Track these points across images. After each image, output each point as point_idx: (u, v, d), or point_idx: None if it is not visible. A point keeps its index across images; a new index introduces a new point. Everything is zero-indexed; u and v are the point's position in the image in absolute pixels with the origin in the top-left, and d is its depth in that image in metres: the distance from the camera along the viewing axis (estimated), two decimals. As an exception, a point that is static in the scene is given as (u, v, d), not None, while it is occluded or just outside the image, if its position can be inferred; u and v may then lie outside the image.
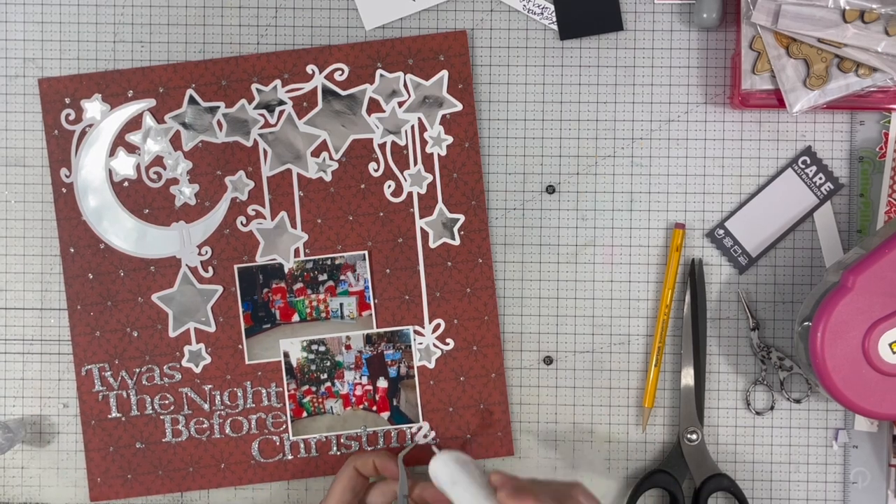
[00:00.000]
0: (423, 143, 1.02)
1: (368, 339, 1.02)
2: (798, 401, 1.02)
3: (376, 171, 1.02)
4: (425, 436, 1.01)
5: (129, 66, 1.03)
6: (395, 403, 1.02)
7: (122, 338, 1.02)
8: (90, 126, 1.02)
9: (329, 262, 1.02)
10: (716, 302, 1.02)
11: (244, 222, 1.02)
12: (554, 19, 1.02)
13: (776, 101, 0.99)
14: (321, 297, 1.02)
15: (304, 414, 1.02)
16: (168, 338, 1.02)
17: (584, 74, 1.02)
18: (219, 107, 1.02)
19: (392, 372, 1.02)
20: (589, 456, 1.03)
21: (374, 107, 1.02)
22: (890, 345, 0.91)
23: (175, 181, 1.02)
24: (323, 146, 1.02)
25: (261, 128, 1.02)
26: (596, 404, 1.03)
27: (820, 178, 1.02)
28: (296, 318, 1.02)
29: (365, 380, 1.02)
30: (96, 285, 1.02)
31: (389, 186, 1.02)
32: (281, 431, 1.02)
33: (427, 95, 1.02)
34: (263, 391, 1.02)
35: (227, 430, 1.02)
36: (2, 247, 1.03)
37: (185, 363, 1.02)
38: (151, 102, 1.02)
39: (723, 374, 1.02)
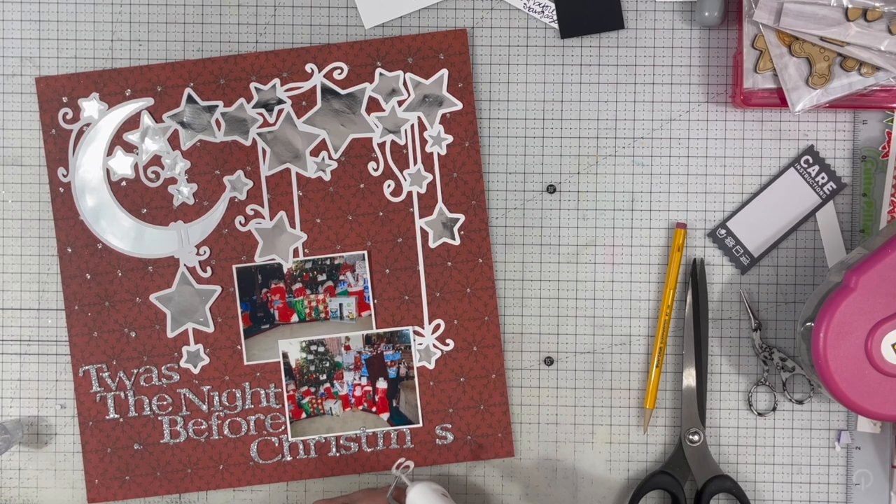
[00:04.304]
0: (423, 142, 1.02)
1: (368, 340, 1.02)
2: (800, 402, 1.02)
3: (376, 170, 1.02)
4: (406, 466, 0.98)
5: (126, 64, 1.02)
6: (394, 404, 1.02)
7: (119, 338, 1.02)
8: (88, 125, 1.02)
9: (328, 262, 1.02)
10: (717, 302, 1.02)
11: (243, 222, 1.02)
12: (555, 18, 1.02)
13: (778, 99, 0.98)
14: (320, 297, 1.02)
15: (303, 415, 1.02)
16: (166, 338, 1.02)
17: (585, 73, 1.02)
18: (217, 106, 1.02)
19: (392, 373, 1.02)
20: (590, 457, 1.02)
21: (373, 106, 1.02)
22: (893, 345, 0.90)
23: (173, 181, 1.02)
24: (322, 145, 1.02)
25: (259, 127, 1.02)
26: (597, 405, 1.02)
27: (822, 178, 1.01)
28: (295, 318, 1.02)
29: (364, 381, 1.02)
30: (94, 285, 1.02)
31: (389, 186, 1.02)
32: (280, 433, 1.02)
33: (427, 94, 1.01)
34: (262, 392, 1.02)
35: (226, 432, 1.02)
36: (-1, 247, 1.03)
37: (183, 364, 1.02)
38: (149, 101, 1.02)
39: (724, 374, 1.02)
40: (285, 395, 1.02)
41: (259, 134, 1.02)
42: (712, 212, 1.02)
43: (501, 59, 1.02)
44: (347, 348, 1.02)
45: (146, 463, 1.02)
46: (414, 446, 1.02)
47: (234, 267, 1.02)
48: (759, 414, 1.02)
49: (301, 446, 1.02)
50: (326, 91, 1.02)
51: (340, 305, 1.02)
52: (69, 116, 1.02)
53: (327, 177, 1.02)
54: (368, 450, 1.02)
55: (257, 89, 1.01)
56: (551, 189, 1.02)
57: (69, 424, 1.03)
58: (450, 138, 1.02)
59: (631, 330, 1.02)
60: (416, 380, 1.02)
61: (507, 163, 1.02)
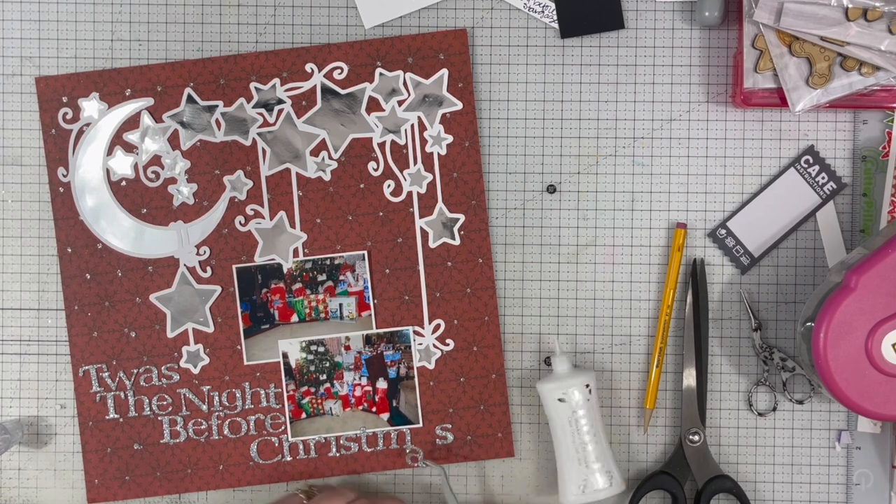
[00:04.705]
0: (423, 142, 1.02)
1: (368, 340, 1.02)
2: (801, 402, 1.02)
3: (376, 170, 1.02)
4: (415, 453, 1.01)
5: (126, 64, 1.02)
6: (394, 404, 1.02)
7: (119, 338, 1.02)
8: (87, 125, 1.02)
9: (328, 262, 1.02)
10: (718, 302, 1.02)
11: (243, 222, 1.02)
12: (555, 17, 1.01)
13: (779, 99, 0.98)
14: (320, 297, 1.02)
15: (303, 415, 1.02)
16: (166, 338, 1.02)
17: (586, 73, 1.02)
18: (217, 106, 1.01)
19: (392, 373, 1.02)
20: (590, 457, 1.02)
21: (373, 106, 1.02)
22: (893, 345, 0.90)
23: (173, 180, 1.02)
24: (322, 145, 1.02)
25: (259, 127, 1.01)
26: (597, 405, 1.02)
27: (822, 178, 1.01)
28: (295, 318, 1.02)
29: (364, 381, 1.02)
30: (94, 285, 1.01)
31: (389, 186, 1.02)
32: (280, 433, 1.02)
33: (427, 94, 1.01)
34: (262, 392, 1.02)
35: (226, 432, 1.02)
36: (-1, 247, 1.03)
37: (183, 364, 1.02)
38: (149, 101, 1.02)
39: (725, 374, 1.02)
40: (285, 395, 1.02)
41: (259, 134, 1.02)
42: (712, 212, 1.02)
43: (501, 59, 1.02)
44: (347, 348, 1.02)
45: (146, 463, 1.02)
46: (414, 447, 1.02)
47: (234, 267, 1.02)
48: (760, 414, 1.02)
49: (301, 446, 1.02)
50: (326, 91, 1.01)
51: (340, 305, 1.02)
52: (69, 116, 1.02)
53: (327, 177, 1.01)
54: (368, 450, 1.02)
55: (257, 89, 1.01)
56: (551, 189, 1.02)
57: (69, 424, 1.03)
58: (450, 138, 1.02)
59: (631, 330, 1.02)
60: (416, 380, 1.02)
61: (507, 163, 1.02)
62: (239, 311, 1.02)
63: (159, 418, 1.02)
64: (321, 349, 1.02)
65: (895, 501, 1.01)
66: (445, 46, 1.01)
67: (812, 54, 0.96)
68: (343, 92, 1.01)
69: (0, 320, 1.03)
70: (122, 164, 1.02)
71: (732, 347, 1.02)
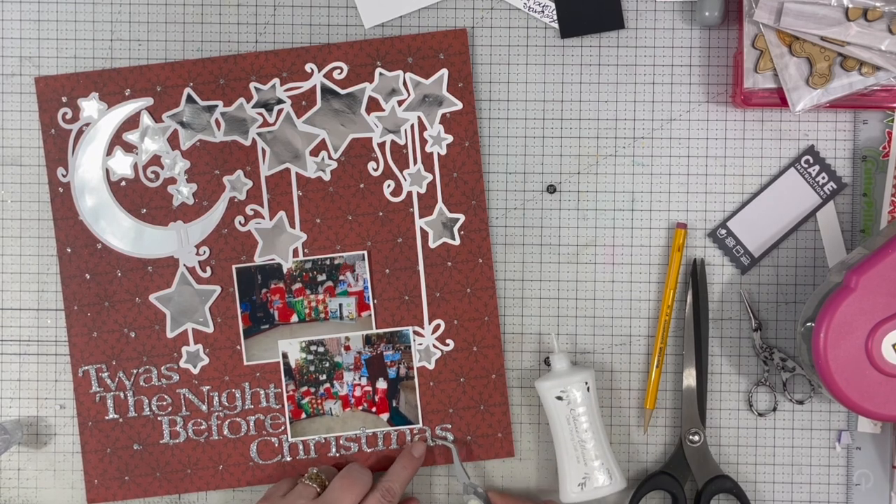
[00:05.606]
0: (423, 142, 1.01)
1: (368, 340, 1.02)
2: (801, 402, 1.02)
3: (376, 170, 1.02)
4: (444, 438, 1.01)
5: (126, 64, 1.02)
6: (394, 405, 1.02)
7: (119, 338, 1.02)
8: (87, 125, 1.02)
9: (328, 262, 1.02)
10: (718, 302, 1.02)
11: (242, 222, 1.02)
12: (555, 17, 1.01)
13: (779, 99, 0.98)
14: (320, 297, 1.02)
15: (303, 415, 1.02)
16: (166, 338, 1.02)
17: (586, 73, 1.02)
18: (217, 105, 1.01)
19: (391, 373, 1.02)
20: (590, 457, 1.02)
21: (373, 105, 1.01)
22: (893, 346, 0.90)
23: (173, 180, 1.02)
24: (322, 145, 1.01)
25: (259, 127, 1.01)
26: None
27: (823, 178, 1.01)
28: (294, 318, 1.02)
29: (364, 381, 1.02)
30: (93, 285, 1.01)
31: (389, 186, 1.02)
32: (279, 433, 1.02)
33: (427, 94, 1.01)
34: (262, 392, 1.02)
35: (226, 432, 1.02)
36: (-2, 247, 1.03)
37: (182, 364, 1.02)
38: (149, 101, 1.02)
39: (725, 375, 1.02)
40: (285, 395, 1.02)
41: (259, 134, 1.01)
42: (712, 212, 1.02)
43: (501, 59, 1.02)
44: (347, 348, 1.02)
45: (146, 463, 1.02)
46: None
47: (233, 267, 1.02)
48: (760, 414, 1.02)
49: (301, 446, 1.02)
50: (326, 91, 1.01)
51: (340, 305, 1.02)
52: (69, 116, 1.02)
53: (327, 177, 1.01)
54: (368, 450, 1.02)
55: (257, 89, 1.01)
56: (551, 189, 1.02)
57: (68, 425, 1.03)
58: (450, 138, 1.01)
59: (631, 330, 1.02)
60: (416, 380, 1.02)
61: (507, 163, 1.02)
62: (239, 311, 1.02)
63: (159, 418, 1.02)
64: (321, 349, 1.02)
65: (895, 501, 1.01)
66: (445, 46, 1.01)
67: (812, 54, 0.96)
68: (343, 92, 1.01)
69: (0, 320, 1.03)
70: (122, 164, 1.02)
71: (732, 347, 1.02)
